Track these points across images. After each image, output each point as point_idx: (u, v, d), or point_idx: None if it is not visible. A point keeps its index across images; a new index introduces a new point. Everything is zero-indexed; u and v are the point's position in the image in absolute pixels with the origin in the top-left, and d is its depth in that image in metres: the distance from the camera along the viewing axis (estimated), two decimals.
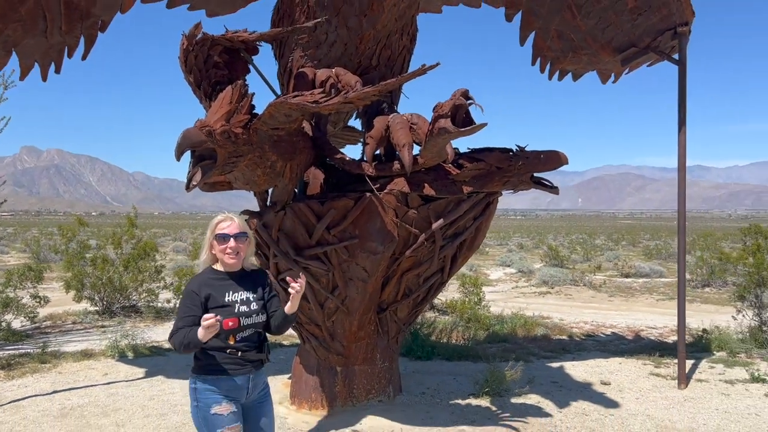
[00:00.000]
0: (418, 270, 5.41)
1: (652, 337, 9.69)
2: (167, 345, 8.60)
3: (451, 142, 4.83)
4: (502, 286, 17.97)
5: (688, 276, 19.17)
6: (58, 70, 6.59)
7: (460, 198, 5.15)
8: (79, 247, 12.56)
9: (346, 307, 5.23)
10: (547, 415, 5.52)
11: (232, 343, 3.02)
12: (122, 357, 7.76)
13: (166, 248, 30.28)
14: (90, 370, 7.12)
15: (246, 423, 3.12)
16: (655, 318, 11.91)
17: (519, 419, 5.36)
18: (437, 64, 4.02)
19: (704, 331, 9.00)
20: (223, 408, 2.99)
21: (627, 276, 20.41)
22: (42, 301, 9.06)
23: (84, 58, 6.46)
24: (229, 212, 3.26)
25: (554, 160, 5.09)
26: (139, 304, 11.68)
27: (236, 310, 3.02)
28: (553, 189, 5.19)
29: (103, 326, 10.13)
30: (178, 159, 3.96)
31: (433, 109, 4.44)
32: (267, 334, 3.26)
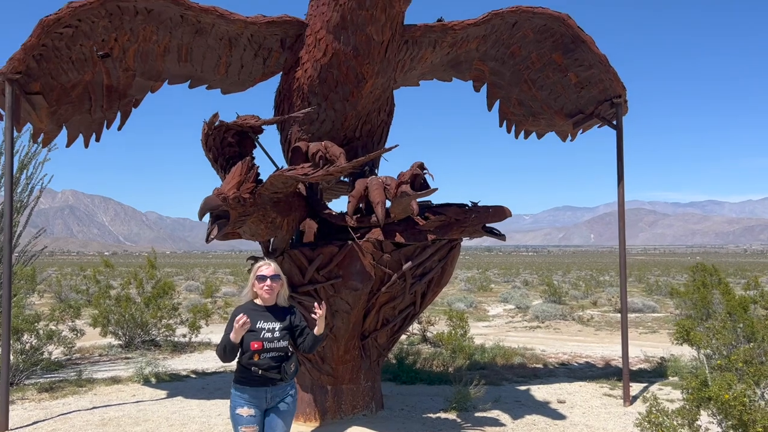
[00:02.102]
0: (393, 303, 6.62)
1: (621, 366, 10.66)
2: (185, 372, 9.77)
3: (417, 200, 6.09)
4: (497, 321, 18.96)
5: (677, 311, 20.22)
6: (98, 139, 7.89)
7: (425, 244, 6.39)
8: (103, 287, 13.86)
9: (334, 335, 6.40)
10: (502, 425, 6.61)
11: (257, 359, 3.93)
12: (146, 382, 8.94)
13: (179, 287, 31.44)
14: (120, 392, 8.30)
15: (265, 422, 4.07)
16: (631, 349, 12.83)
17: (478, 428, 6.45)
18: (396, 146, 5.34)
19: (662, 359, 10.02)
20: (244, 411, 3.97)
21: (620, 311, 21.33)
22: (79, 334, 10.28)
23: (120, 129, 7.80)
24: (262, 257, 4.35)
25: (500, 213, 6.36)
26: (158, 339, 12.87)
27: (261, 336, 3.96)
28: (500, 236, 6.40)
29: (126, 358, 11.33)
30: (200, 219, 5.24)
31: (397, 176, 5.72)
32: (297, 360, 4.15)
